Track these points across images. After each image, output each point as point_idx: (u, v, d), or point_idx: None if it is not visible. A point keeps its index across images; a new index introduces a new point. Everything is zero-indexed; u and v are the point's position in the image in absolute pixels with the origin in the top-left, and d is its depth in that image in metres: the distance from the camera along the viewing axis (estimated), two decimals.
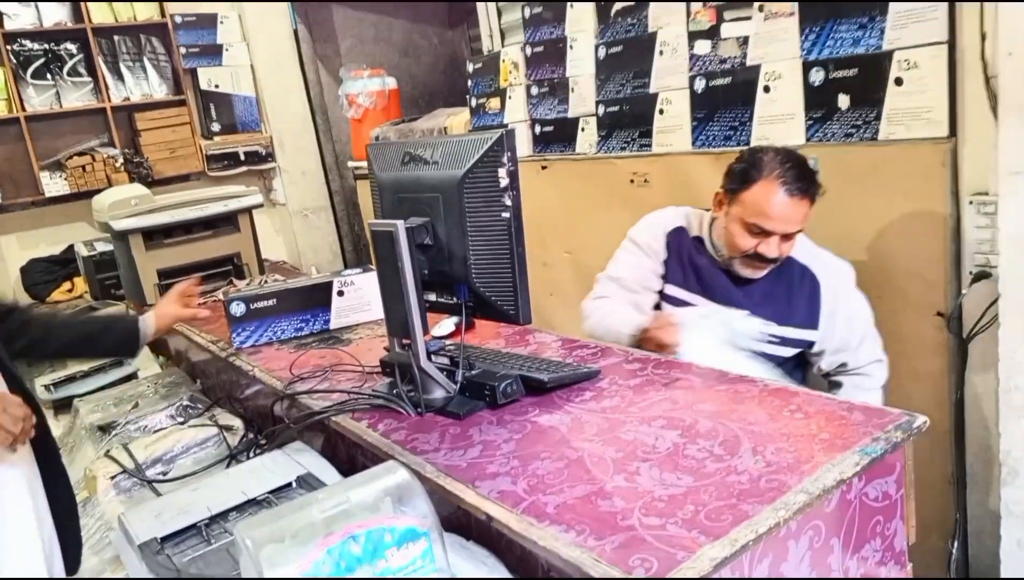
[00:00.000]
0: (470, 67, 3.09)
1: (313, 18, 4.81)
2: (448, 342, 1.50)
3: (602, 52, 2.50)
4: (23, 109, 3.95)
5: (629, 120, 2.45)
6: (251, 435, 1.76)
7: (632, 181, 2.50)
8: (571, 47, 2.61)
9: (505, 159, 1.22)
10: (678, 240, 1.85)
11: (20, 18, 3.93)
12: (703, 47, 2.22)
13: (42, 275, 3.91)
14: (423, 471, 1.11)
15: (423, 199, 1.32)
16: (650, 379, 1.35)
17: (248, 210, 2.71)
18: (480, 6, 3.26)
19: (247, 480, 1.39)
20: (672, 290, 1.84)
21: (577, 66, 2.61)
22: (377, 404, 1.37)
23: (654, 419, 1.18)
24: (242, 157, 4.55)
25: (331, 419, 1.38)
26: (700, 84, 2.24)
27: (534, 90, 2.80)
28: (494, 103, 2.99)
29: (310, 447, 1.51)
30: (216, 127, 4.49)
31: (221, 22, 4.42)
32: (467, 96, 3.11)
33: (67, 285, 3.87)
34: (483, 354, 1.45)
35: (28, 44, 3.98)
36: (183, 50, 4.33)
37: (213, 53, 4.43)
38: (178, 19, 4.30)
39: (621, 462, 1.06)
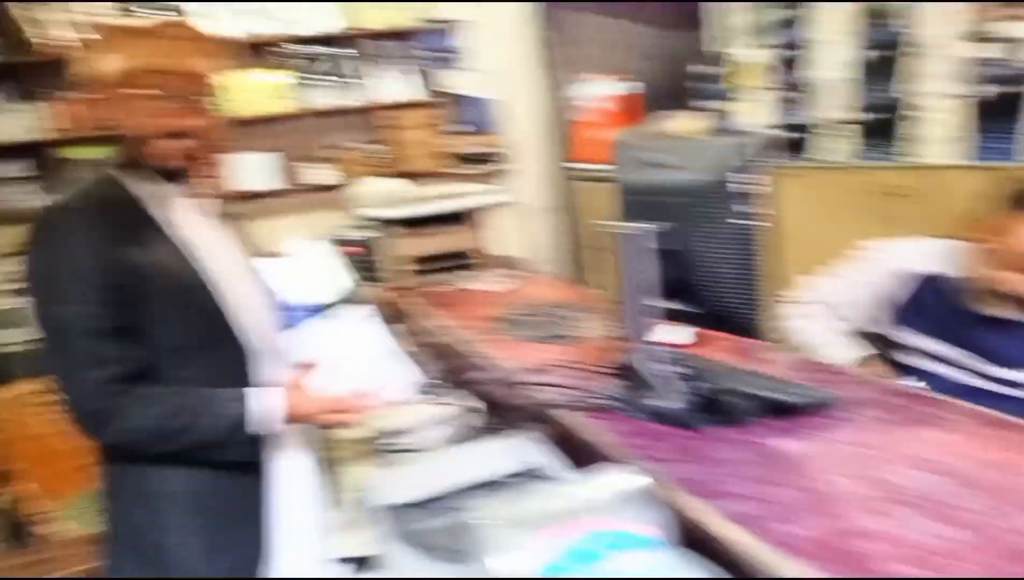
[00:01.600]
0: (709, 71, 3.02)
1: (559, 23, 4.95)
2: (683, 351, 1.47)
3: (856, 55, 2.32)
4: (303, 107, 4.46)
5: (884, 128, 2.26)
6: (484, 418, 1.85)
7: (887, 193, 2.30)
8: (820, 50, 2.45)
9: (757, 166, 1.17)
10: (929, 284, 1.67)
11: (304, 25, 4.45)
12: (977, 50, 1.98)
13: None
14: (658, 479, 1.11)
15: (668, 203, 1.31)
16: (898, 411, 1.23)
17: (489, 207, 2.85)
18: (717, 10, 3.17)
19: (482, 461, 1.46)
20: (913, 339, 1.65)
21: (825, 70, 2.45)
22: (609, 405, 1.38)
23: (909, 458, 1.08)
24: (483, 157, 4.80)
25: (564, 414, 1.41)
26: (972, 91, 2.01)
27: (776, 94, 2.67)
28: (732, 107, 2.89)
29: (540, 437, 1.56)
30: (460, 128, 4.78)
31: (471, 28, 4.69)
32: (704, 100, 3.04)
33: None
34: (719, 367, 1.41)
35: (309, 48, 4.49)
36: (438, 54, 4.66)
37: (461, 57, 4.71)
38: (435, 25, 4.63)
39: (873, 502, 0.98)
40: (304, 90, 4.48)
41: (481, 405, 1.95)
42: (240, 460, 1.30)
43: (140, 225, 1.26)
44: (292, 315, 1.63)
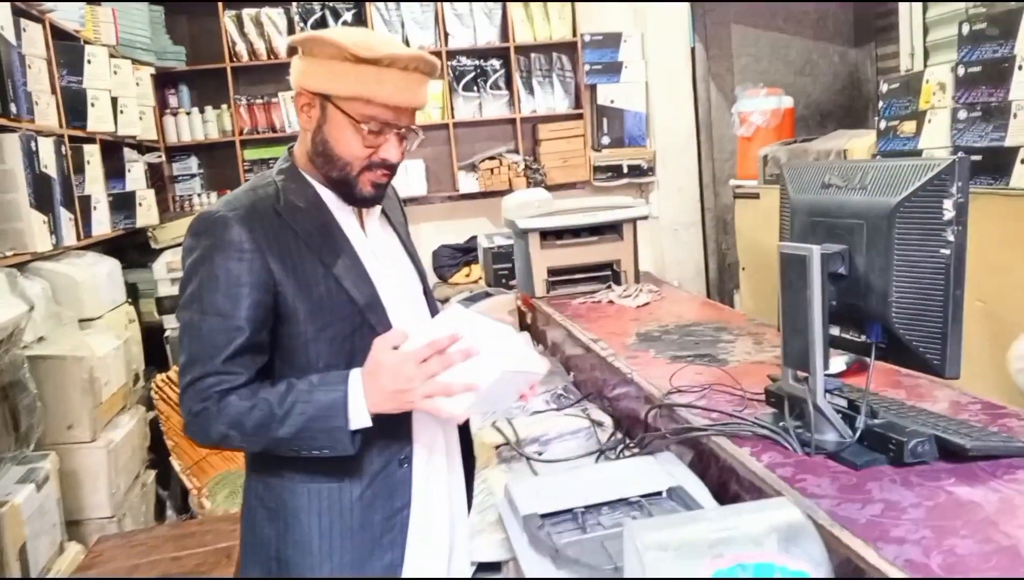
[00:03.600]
0: (884, 87, 2.84)
1: (711, 36, 4.85)
2: (844, 382, 1.38)
3: None
4: (452, 117, 4.60)
5: None
6: (619, 434, 1.82)
7: None
8: (1020, 67, 2.24)
9: (954, 189, 1.08)
10: None
11: (460, 38, 4.58)
12: None
13: (447, 259, 4.52)
14: (814, 515, 1.04)
15: (842, 225, 1.23)
16: None
17: (633, 221, 2.81)
18: (903, 23, 2.98)
19: (620, 479, 1.43)
20: None
21: None
22: (760, 434, 1.32)
23: None
24: (625, 170, 4.77)
25: (710, 439, 1.36)
26: None
27: (962, 114, 2.47)
28: (908, 127, 2.70)
29: (680, 460, 1.51)
30: (606, 140, 4.76)
31: (625, 41, 4.67)
32: (874, 118, 2.85)
33: (466, 270, 4.43)
34: (887, 402, 1.31)
35: (463, 60, 4.62)
36: (587, 67, 4.67)
37: (613, 71, 4.70)
38: (587, 38, 4.65)
39: None
40: (456, 100, 4.62)
41: (616, 421, 1.92)
42: (343, 456, 1.17)
43: (311, 237, 1.22)
44: None
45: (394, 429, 1.25)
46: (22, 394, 1.99)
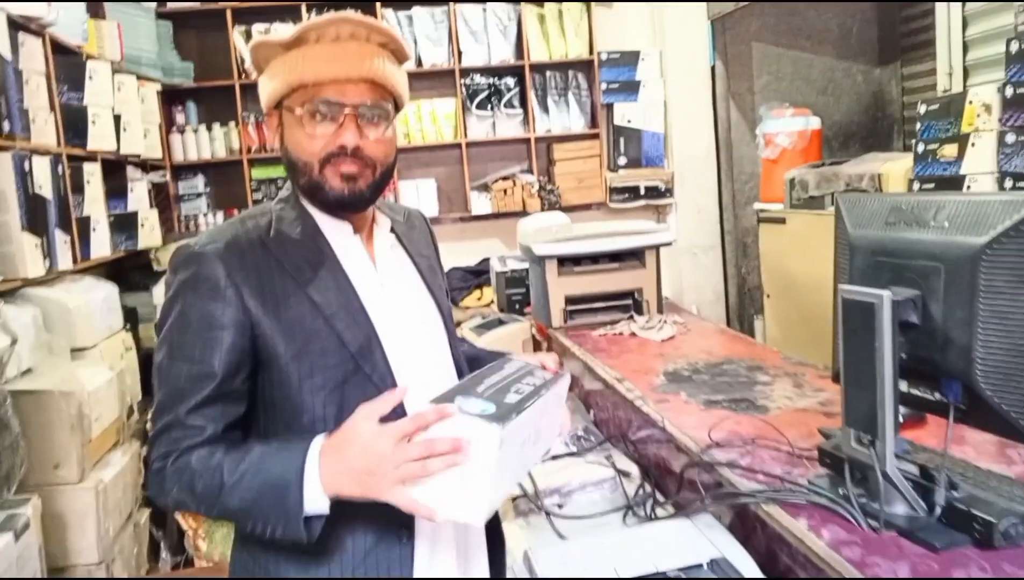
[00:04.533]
0: (921, 108, 2.69)
1: (731, 54, 4.72)
2: (923, 446, 1.22)
3: None
4: (465, 136, 4.48)
5: None
6: (648, 487, 1.66)
7: None
8: None
9: None
10: None
11: (474, 55, 4.46)
12: None
13: (459, 282, 4.38)
14: None
15: (914, 267, 1.08)
16: None
17: (656, 247, 2.67)
18: (941, 40, 2.83)
19: (654, 547, 1.28)
20: None
21: None
22: (817, 502, 1.16)
23: None
24: (642, 191, 4.63)
25: (759, 506, 1.20)
26: None
27: (1010, 138, 2.32)
28: (949, 150, 2.55)
29: (720, 523, 1.36)
30: (623, 161, 4.63)
31: (643, 59, 4.54)
32: (899, 139, 2.71)
33: (478, 293, 4.29)
34: (965, 470, 1.15)
35: (477, 78, 4.50)
36: (604, 86, 4.54)
37: (630, 90, 4.57)
38: (604, 56, 4.52)
39: None
40: (469, 118, 4.50)
41: (643, 470, 1.76)
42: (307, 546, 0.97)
43: (300, 271, 1.07)
44: None
45: None
46: (3, 433, 1.85)
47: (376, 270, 1.16)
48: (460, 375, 1.22)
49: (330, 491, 0.95)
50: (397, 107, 1.14)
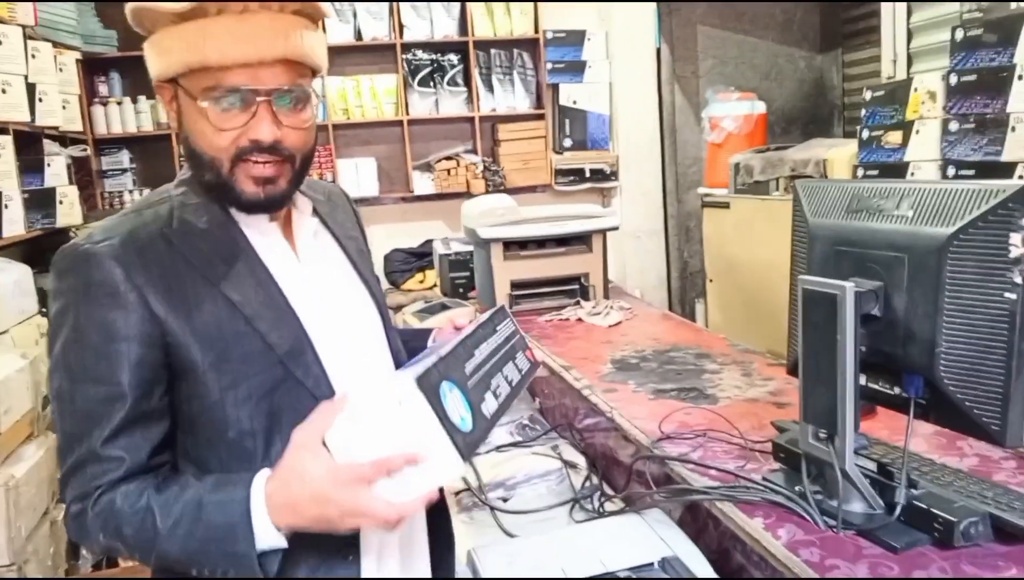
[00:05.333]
0: (867, 95, 2.69)
1: (677, 37, 4.69)
2: (881, 441, 1.19)
3: None
4: (407, 113, 4.34)
5: None
6: (595, 479, 1.61)
7: None
8: (1021, 77, 2.11)
9: (1009, 220, 0.90)
10: None
11: (416, 30, 4.32)
12: None
13: (400, 264, 4.27)
14: None
15: (876, 258, 1.04)
16: None
17: (603, 232, 2.62)
18: (886, 27, 2.84)
19: (603, 545, 1.22)
20: None
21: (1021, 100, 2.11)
22: (773, 500, 1.12)
23: None
24: (587, 174, 4.57)
25: (714, 503, 1.16)
26: None
27: (954, 126, 2.33)
28: (893, 137, 2.56)
29: (670, 518, 1.31)
30: (568, 143, 4.56)
31: (588, 39, 4.47)
32: (840, 125, 2.71)
33: (420, 276, 4.18)
34: (924, 466, 1.12)
35: (419, 54, 4.36)
36: (549, 65, 4.46)
37: (576, 70, 4.50)
38: (549, 35, 4.43)
39: None
40: (411, 95, 4.36)
41: (590, 460, 1.71)
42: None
43: (212, 267, 0.94)
44: None
45: None
46: None
47: (299, 261, 1.03)
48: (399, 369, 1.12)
49: (283, 525, 0.85)
50: (315, 75, 1.00)
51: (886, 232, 1.03)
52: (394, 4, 4.24)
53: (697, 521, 1.29)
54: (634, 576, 1.15)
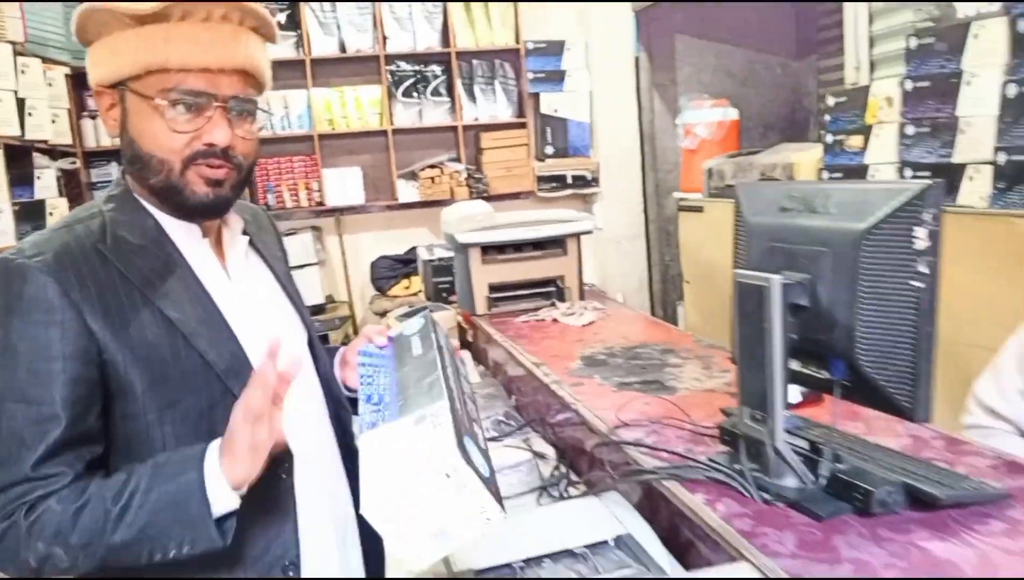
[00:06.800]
0: (830, 100, 2.80)
1: (655, 45, 4.80)
2: (800, 416, 1.28)
3: (1012, 90, 2.08)
4: (391, 123, 4.44)
5: None
6: (563, 468, 1.70)
7: None
8: (968, 83, 2.21)
9: (927, 217, 0.99)
10: None
11: (399, 41, 4.42)
12: None
13: (386, 271, 4.35)
14: None
15: (804, 252, 1.13)
16: None
17: (577, 235, 2.71)
18: (848, 35, 2.95)
19: (562, 525, 1.31)
20: None
21: (973, 105, 2.21)
22: (714, 478, 1.21)
23: None
24: (569, 180, 4.67)
25: (661, 482, 1.24)
26: None
27: (910, 129, 2.43)
28: (855, 141, 2.66)
29: (627, 501, 1.40)
30: (550, 150, 4.66)
31: (568, 49, 4.58)
32: (816, 130, 2.81)
33: (406, 282, 4.27)
34: (849, 442, 1.21)
35: (403, 65, 4.46)
36: (530, 75, 4.56)
37: (556, 79, 4.60)
38: (530, 45, 4.54)
39: None
40: (395, 106, 4.45)
41: (560, 451, 1.80)
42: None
43: (148, 284, 0.94)
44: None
45: (276, 526, 0.99)
46: None
47: (230, 278, 1.05)
48: (329, 389, 1.17)
49: (236, 482, 0.87)
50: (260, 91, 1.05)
51: (812, 229, 1.12)
52: (377, 16, 4.34)
53: (652, 503, 1.37)
54: (590, 553, 1.24)
